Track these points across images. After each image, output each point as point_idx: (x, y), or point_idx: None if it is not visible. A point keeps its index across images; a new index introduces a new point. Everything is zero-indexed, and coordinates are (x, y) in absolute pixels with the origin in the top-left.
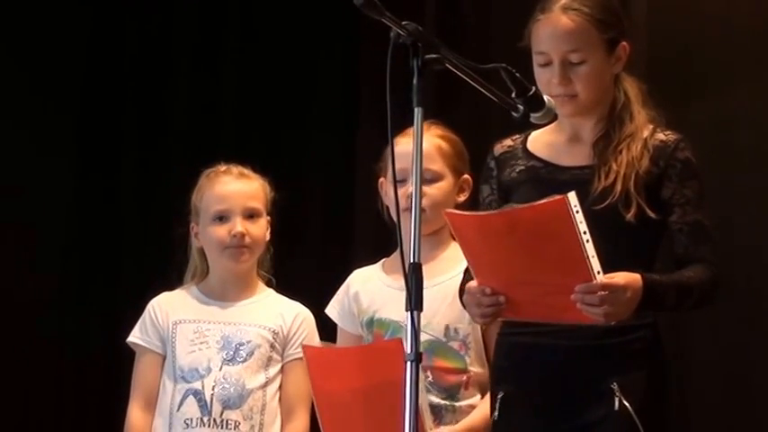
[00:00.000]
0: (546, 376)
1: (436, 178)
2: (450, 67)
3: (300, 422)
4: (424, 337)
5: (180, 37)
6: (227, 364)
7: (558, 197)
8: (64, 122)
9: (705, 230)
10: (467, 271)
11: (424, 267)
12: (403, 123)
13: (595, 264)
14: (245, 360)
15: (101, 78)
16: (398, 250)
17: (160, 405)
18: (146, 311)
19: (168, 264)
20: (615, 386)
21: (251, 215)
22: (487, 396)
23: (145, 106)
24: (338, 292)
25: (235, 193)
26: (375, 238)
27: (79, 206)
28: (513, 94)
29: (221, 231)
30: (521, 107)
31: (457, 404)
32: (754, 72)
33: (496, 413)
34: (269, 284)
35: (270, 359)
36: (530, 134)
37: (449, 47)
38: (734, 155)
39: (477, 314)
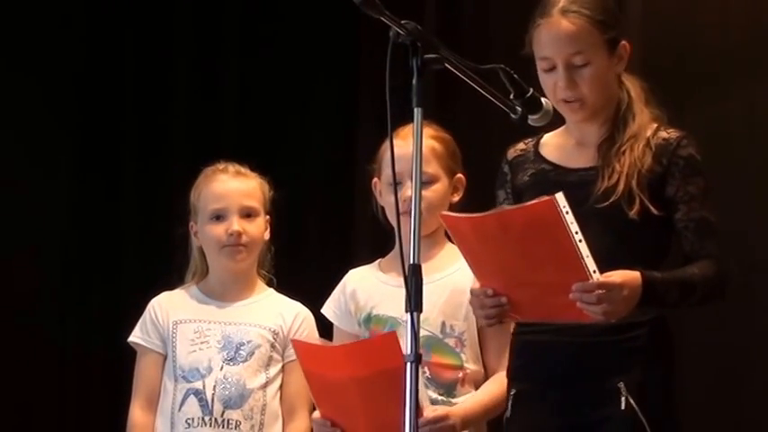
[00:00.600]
0: (555, 374)
1: (431, 181)
2: (449, 67)
3: (302, 422)
4: (421, 332)
5: (180, 37)
6: (228, 364)
7: (546, 198)
8: (64, 123)
9: (711, 226)
10: None
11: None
12: (402, 123)
13: (590, 263)
14: (245, 360)
15: (101, 79)
16: (396, 251)
17: (161, 405)
18: (146, 311)
19: (169, 263)
20: (621, 385)
21: (248, 214)
22: (484, 385)
23: (145, 106)
24: (334, 292)
25: (232, 192)
26: (374, 238)
27: (79, 206)
28: (512, 96)
29: (218, 230)
30: (519, 109)
31: (453, 400)
32: (748, 78)
33: (509, 411)
34: (270, 284)
35: (270, 359)
36: (542, 137)
37: (448, 47)
38: (728, 160)
39: (482, 316)
